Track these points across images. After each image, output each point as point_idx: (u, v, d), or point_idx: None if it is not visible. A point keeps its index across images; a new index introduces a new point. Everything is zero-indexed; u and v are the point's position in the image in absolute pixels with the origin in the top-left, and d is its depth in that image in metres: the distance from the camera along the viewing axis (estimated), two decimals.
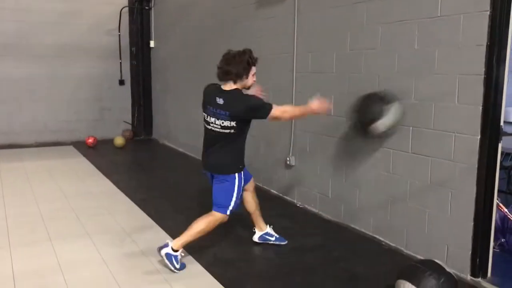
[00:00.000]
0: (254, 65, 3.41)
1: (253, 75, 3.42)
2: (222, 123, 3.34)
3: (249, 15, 5.87)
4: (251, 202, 3.87)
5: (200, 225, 3.45)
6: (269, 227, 4.02)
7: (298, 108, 3.60)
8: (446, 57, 3.42)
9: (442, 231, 3.54)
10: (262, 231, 3.99)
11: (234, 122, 3.31)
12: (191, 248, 3.66)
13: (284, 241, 4.00)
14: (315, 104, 3.44)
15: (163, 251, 3.39)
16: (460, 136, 3.35)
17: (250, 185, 3.84)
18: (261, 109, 3.33)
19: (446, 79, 3.42)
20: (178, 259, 3.42)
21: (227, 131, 3.35)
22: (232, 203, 3.48)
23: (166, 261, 3.38)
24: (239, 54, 3.36)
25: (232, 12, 6.31)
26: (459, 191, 3.40)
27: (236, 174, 3.48)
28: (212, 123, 3.41)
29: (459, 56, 3.32)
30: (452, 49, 3.37)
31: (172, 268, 3.39)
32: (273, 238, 3.99)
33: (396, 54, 3.83)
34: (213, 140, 3.47)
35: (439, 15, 3.44)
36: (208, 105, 3.44)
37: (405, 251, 3.87)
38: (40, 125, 8.97)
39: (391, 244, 4.00)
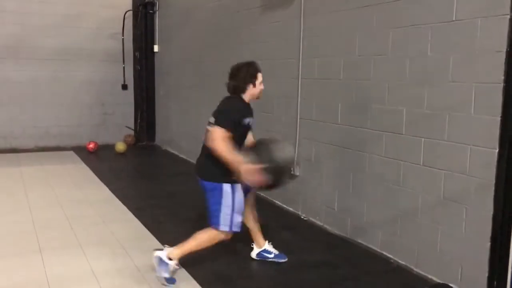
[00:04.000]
0: (255, 76, 3.34)
1: (260, 83, 3.38)
2: (210, 118, 3.25)
3: (254, 20, 5.68)
4: (248, 217, 3.66)
5: (200, 239, 3.28)
6: (268, 243, 3.80)
7: (231, 156, 3.08)
8: (461, 64, 3.20)
9: (455, 250, 3.31)
10: (260, 247, 3.78)
11: (214, 118, 3.19)
12: (186, 264, 3.45)
13: (284, 258, 3.78)
14: (245, 169, 3.05)
15: (157, 253, 3.23)
16: (476, 148, 3.13)
17: (250, 199, 3.63)
18: (219, 117, 3.16)
19: (462, 88, 3.20)
20: (170, 269, 3.23)
21: (209, 127, 3.21)
22: (221, 219, 3.19)
23: (156, 265, 3.23)
24: (239, 67, 3.35)
25: (237, 16, 6.13)
26: (474, 208, 3.17)
27: (225, 185, 3.20)
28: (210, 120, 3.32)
29: (476, 63, 3.10)
30: (468, 56, 3.15)
31: (159, 275, 3.23)
32: (272, 255, 3.77)
33: (408, 60, 3.62)
34: (205, 139, 3.32)
35: (454, 19, 3.23)
36: None
37: (415, 270, 3.64)
38: (41, 130, 8.80)
39: (400, 261, 3.77)
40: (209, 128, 3.15)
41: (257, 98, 3.42)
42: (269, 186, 3.24)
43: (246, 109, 3.35)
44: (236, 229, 3.26)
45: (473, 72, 3.12)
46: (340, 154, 4.39)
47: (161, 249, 3.28)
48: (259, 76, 3.37)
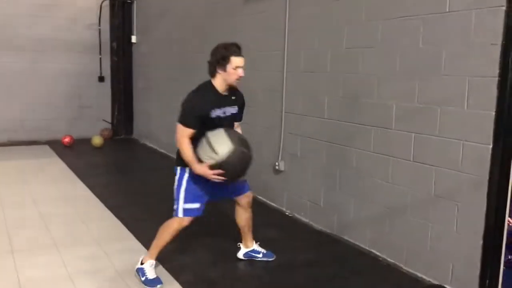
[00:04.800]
0: (227, 60, 3.02)
1: (234, 68, 3.04)
2: None
3: (237, 10, 5.51)
4: (240, 217, 3.53)
5: (160, 232, 3.21)
6: (256, 243, 3.67)
7: (189, 154, 3.03)
8: (454, 57, 3.10)
9: (446, 248, 3.23)
10: (248, 248, 3.65)
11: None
12: (170, 266, 3.31)
13: (272, 257, 3.66)
14: (202, 167, 2.98)
15: (136, 268, 3.18)
16: (469, 144, 3.04)
17: (243, 199, 3.47)
18: (180, 113, 3.08)
19: (454, 81, 3.10)
20: (145, 271, 3.15)
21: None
22: (177, 203, 3.13)
23: (139, 277, 3.16)
24: (215, 48, 3.10)
25: (219, 6, 5.94)
26: (466, 205, 3.08)
27: (179, 168, 3.15)
28: None
29: (470, 56, 3.00)
30: (461, 49, 3.05)
31: (140, 280, 3.15)
32: (260, 255, 3.64)
33: (398, 53, 3.50)
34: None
35: (447, 10, 3.12)
36: None
37: (404, 268, 3.55)
38: (15, 123, 8.47)
39: (389, 259, 3.67)
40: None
41: (233, 85, 3.14)
42: (230, 179, 3.07)
43: (212, 100, 3.07)
44: (186, 215, 3.13)
45: (467, 65, 3.02)
46: (327, 149, 4.27)
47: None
48: (233, 61, 3.01)
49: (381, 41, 3.65)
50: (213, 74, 3.10)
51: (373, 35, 3.70)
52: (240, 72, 3.07)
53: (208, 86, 3.12)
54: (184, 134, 3.03)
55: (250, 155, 3.08)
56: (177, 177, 3.19)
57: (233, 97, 3.22)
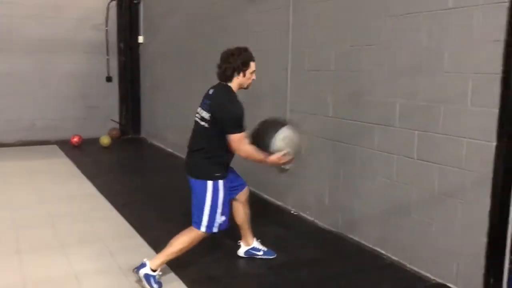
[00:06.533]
0: (247, 65, 3.11)
1: (251, 73, 3.16)
2: (203, 113, 3.11)
3: (242, 9, 5.51)
4: (240, 213, 3.53)
5: (179, 243, 3.11)
6: (257, 240, 3.67)
7: (258, 155, 3.06)
8: (458, 54, 3.08)
9: (451, 246, 3.21)
10: (248, 245, 3.65)
11: (209, 115, 3.05)
12: (172, 264, 3.31)
13: (273, 255, 3.65)
14: (273, 158, 3.06)
15: (142, 272, 3.06)
16: (472, 142, 3.02)
17: (243, 195, 3.49)
18: (230, 125, 3.00)
19: (458, 79, 3.08)
20: (156, 279, 3.09)
21: (203, 123, 3.09)
22: (205, 219, 3.07)
23: (145, 282, 3.05)
24: (232, 53, 3.10)
25: (224, 5, 5.95)
26: (470, 203, 3.06)
27: (210, 182, 3.07)
28: (198, 113, 3.17)
29: (473, 53, 2.98)
30: (465, 45, 3.03)
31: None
32: (261, 253, 3.64)
33: (402, 50, 3.48)
34: (194, 134, 3.22)
35: (450, 6, 3.10)
36: (204, 97, 3.22)
37: (408, 266, 3.53)
38: (24, 123, 8.56)
39: (393, 258, 3.66)
40: (231, 135, 3.01)
41: (246, 88, 3.21)
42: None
43: (241, 104, 3.13)
44: (216, 230, 3.12)
45: (470, 62, 3.00)
46: (331, 147, 4.26)
47: (141, 266, 3.09)
48: (252, 65, 3.13)
49: (384, 39, 3.63)
50: (230, 78, 3.12)
51: (377, 32, 3.68)
52: (254, 76, 3.18)
53: (232, 91, 3.14)
54: (243, 141, 3.03)
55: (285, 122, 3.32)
56: (200, 191, 3.09)
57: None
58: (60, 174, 6.24)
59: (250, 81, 3.17)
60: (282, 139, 3.09)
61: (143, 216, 4.59)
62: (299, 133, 3.22)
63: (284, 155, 3.07)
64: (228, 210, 3.23)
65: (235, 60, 3.08)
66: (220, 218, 3.11)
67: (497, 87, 2.85)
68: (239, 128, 3.00)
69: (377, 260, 3.69)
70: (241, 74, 3.11)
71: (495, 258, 3.00)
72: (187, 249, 3.14)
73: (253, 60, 3.15)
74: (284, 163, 3.12)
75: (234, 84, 3.13)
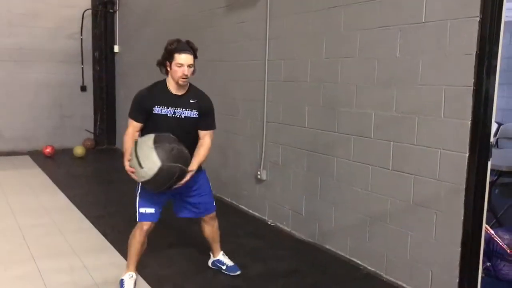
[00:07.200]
0: (174, 53, 3.03)
1: (177, 65, 3.02)
2: None
3: (218, 20, 5.52)
4: (205, 230, 3.51)
5: (129, 242, 3.22)
6: (222, 254, 3.62)
7: (125, 147, 3.08)
8: (431, 66, 3.14)
9: (426, 255, 3.25)
10: (214, 257, 3.63)
11: None
12: (148, 277, 3.26)
13: (237, 271, 3.55)
14: (126, 162, 3.01)
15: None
16: (446, 152, 3.07)
17: (208, 217, 3.44)
18: (130, 107, 3.18)
19: (431, 91, 3.14)
20: (123, 283, 3.13)
21: None
22: (135, 209, 3.16)
23: None
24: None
25: (199, 16, 5.95)
26: (445, 212, 3.11)
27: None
28: None
29: (446, 65, 3.05)
30: (438, 58, 3.09)
31: None
32: (224, 267, 3.57)
33: (376, 62, 3.54)
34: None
35: (423, 20, 3.17)
36: None
37: (385, 276, 3.56)
38: None
39: (369, 268, 3.68)
40: None
41: (177, 83, 3.07)
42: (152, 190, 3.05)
43: (157, 96, 3.08)
44: (142, 219, 3.13)
45: (443, 74, 3.06)
46: (308, 158, 4.28)
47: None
48: (177, 57, 3.01)
49: (359, 51, 3.69)
50: (162, 71, 3.15)
51: (352, 45, 3.73)
52: (185, 69, 3.02)
53: (160, 84, 3.16)
54: (129, 125, 3.14)
55: (178, 169, 2.89)
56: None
57: (192, 100, 3.13)
58: (32, 185, 6.09)
59: (178, 74, 3.02)
60: (147, 156, 2.85)
61: (118, 228, 4.49)
62: (161, 163, 2.85)
63: (132, 168, 2.94)
64: (158, 205, 3.22)
65: (163, 51, 3.09)
66: (140, 209, 3.19)
67: (470, 99, 2.91)
68: (129, 112, 3.17)
69: (354, 270, 3.70)
70: (169, 67, 3.06)
71: (469, 266, 3.05)
72: (133, 243, 3.20)
73: (179, 52, 3.02)
74: (131, 172, 2.97)
75: (169, 77, 3.11)
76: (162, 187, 2.93)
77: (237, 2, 5.13)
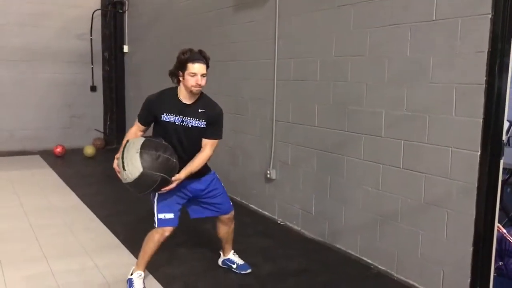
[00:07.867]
0: (184, 66, 3.02)
1: (191, 75, 2.99)
2: None
3: (227, 19, 5.53)
4: (221, 230, 3.51)
5: (144, 243, 3.19)
6: (233, 253, 3.63)
7: (123, 145, 3.02)
8: (442, 64, 3.12)
9: (437, 255, 3.23)
10: (225, 256, 3.63)
11: None
12: (159, 276, 3.28)
13: (248, 269, 3.56)
14: (115, 161, 3.04)
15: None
16: (457, 151, 3.05)
17: (226, 217, 3.43)
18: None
19: (442, 89, 3.12)
20: (132, 282, 3.13)
21: None
22: (154, 214, 3.14)
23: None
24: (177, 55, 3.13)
25: (209, 16, 5.96)
26: (456, 211, 3.09)
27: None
28: None
29: (457, 63, 3.03)
30: (449, 56, 3.07)
31: None
32: (235, 266, 3.58)
33: (386, 61, 3.52)
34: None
35: (434, 18, 3.15)
36: None
37: (395, 275, 3.54)
38: (5, 133, 8.42)
39: (380, 267, 3.67)
40: None
41: (191, 92, 3.04)
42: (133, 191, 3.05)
43: (166, 103, 3.09)
44: (161, 225, 3.11)
45: (454, 73, 3.04)
46: (318, 157, 4.27)
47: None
48: (190, 67, 2.98)
49: (369, 49, 3.67)
50: (174, 81, 3.16)
51: (362, 43, 3.72)
52: (199, 79, 3.00)
53: (171, 91, 3.17)
54: (134, 124, 3.21)
55: (160, 177, 2.84)
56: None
57: (200, 110, 3.11)
58: (43, 185, 6.14)
59: (192, 83, 2.99)
60: (131, 160, 2.82)
61: (128, 226, 4.52)
62: (143, 169, 2.81)
63: (119, 168, 2.94)
64: (175, 209, 3.22)
65: (176, 61, 3.08)
66: (158, 215, 3.17)
67: (481, 97, 2.89)
68: (138, 115, 3.23)
69: (364, 269, 3.69)
70: (181, 75, 3.04)
71: (481, 266, 3.03)
72: (148, 246, 3.16)
73: (192, 62, 3.00)
74: (118, 172, 2.97)
75: (181, 86, 3.10)
76: (144, 191, 2.95)
77: (246, 2, 5.13)
